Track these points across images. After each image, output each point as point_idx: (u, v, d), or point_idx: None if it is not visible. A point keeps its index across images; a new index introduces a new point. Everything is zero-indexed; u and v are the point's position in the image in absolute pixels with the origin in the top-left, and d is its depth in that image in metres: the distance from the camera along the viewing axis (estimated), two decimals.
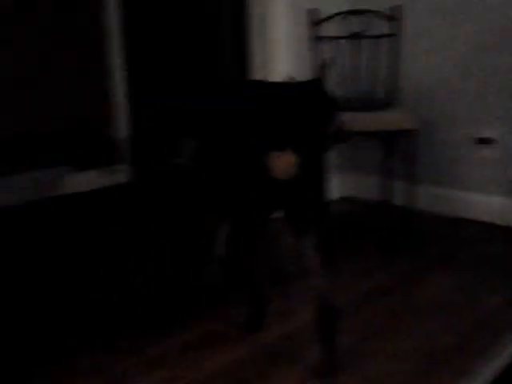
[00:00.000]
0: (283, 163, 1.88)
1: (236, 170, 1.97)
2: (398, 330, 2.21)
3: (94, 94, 4.23)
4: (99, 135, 4.29)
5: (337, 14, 3.40)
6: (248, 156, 1.91)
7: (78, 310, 2.46)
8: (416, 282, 2.60)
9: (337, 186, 3.70)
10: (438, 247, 2.98)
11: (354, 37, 3.39)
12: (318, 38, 3.37)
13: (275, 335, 2.21)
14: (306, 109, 1.88)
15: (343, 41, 3.46)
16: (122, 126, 4.37)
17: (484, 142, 3.25)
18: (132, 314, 2.41)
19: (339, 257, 2.88)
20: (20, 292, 2.61)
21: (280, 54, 3.30)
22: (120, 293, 2.60)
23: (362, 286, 2.57)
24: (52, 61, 3.94)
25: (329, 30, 3.42)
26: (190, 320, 2.33)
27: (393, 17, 3.30)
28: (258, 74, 3.36)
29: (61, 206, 3.86)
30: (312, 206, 1.91)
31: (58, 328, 2.32)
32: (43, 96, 4.01)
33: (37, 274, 2.79)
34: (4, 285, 2.62)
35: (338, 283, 2.59)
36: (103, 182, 4.24)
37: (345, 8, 3.45)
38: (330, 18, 3.39)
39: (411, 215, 3.17)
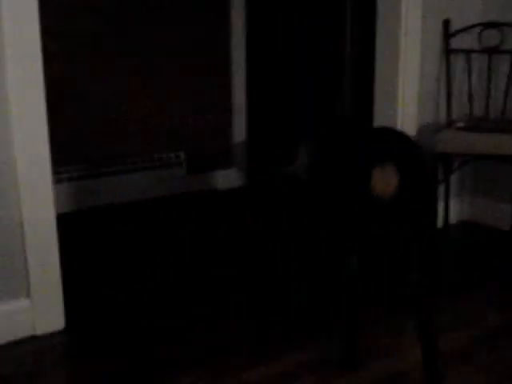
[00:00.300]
0: (384, 180, 1.86)
1: (341, 186, 1.95)
2: None
3: (218, 105, 4.22)
4: (217, 139, 4.27)
5: (471, 27, 3.17)
6: (352, 172, 1.90)
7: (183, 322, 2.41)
8: None
9: (457, 210, 3.45)
10: None
11: (490, 51, 3.15)
12: (450, 52, 3.16)
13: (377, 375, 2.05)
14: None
15: (476, 55, 3.22)
16: (239, 132, 4.33)
17: None
18: (234, 335, 2.32)
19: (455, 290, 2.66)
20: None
21: (410, 67, 3.11)
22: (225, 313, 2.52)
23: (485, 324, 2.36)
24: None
25: (460, 43, 3.20)
26: (294, 346, 2.22)
27: None
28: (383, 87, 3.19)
29: (182, 204, 3.88)
30: (414, 227, 1.87)
31: (166, 335, 2.28)
32: (172, 99, 4.04)
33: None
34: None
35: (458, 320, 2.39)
36: (219, 184, 4.24)
37: (477, 20, 3.21)
38: (464, 29, 3.17)
39: None
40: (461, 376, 2.02)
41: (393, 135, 1.97)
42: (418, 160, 1.90)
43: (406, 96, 3.13)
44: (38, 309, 2.26)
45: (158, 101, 3.91)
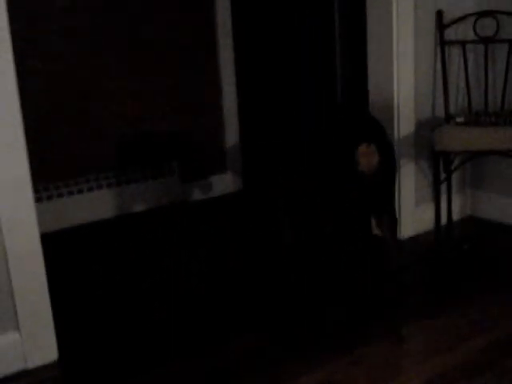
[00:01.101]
0: (368, 157, 2.33)
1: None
2: None
3: (206, 105, 4.11)
4: (210, 145, 4.16)
5: (466, 16, 3.06)
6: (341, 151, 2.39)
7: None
8: None
9: (460, 205, 3.34)
10: None
11: (486, 41, 3.04)
12: (445, 43, 3.04)
13: None
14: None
15: (471, 46, 3.11)
16: (232, 135, 4.22)
17: None
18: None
19: (464, 293, 2.55)
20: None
21: (403, 61, 2.99)
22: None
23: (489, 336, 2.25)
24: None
25: (455, 33, 3.09)
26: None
27: None
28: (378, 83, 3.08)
29: (178, 213, 3.78)
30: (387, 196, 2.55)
31: (169, 356, 2.17)
32: (158, 106, 3.94)
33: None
34: None
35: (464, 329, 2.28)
36: (214, 190, 4.13)
37: (471, 10, 3.10)
38: (459, 19, 3.05)
39: None
40: None
41: (375, 123, 2.52)
42: (390, 146, 2.48)
43: (402, 92, 3.02)
44: (28, 341, 2.16)
45: (146, 109, 3.81)
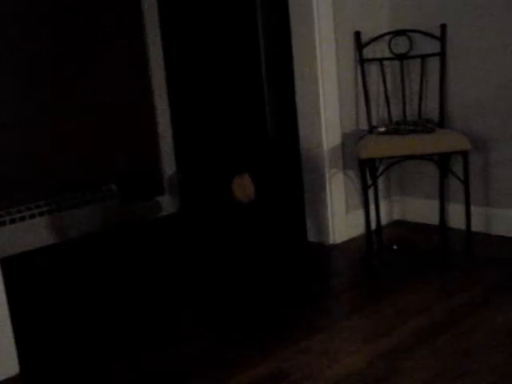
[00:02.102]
0: (242, 188, 2.51)
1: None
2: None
3: (144, 134, 4.25)
4: (148, 170, 4.30)
5: (381, 36, 3.34)
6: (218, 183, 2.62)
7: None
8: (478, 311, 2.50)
9: (388, 210, 3.60)
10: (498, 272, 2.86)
11: (401, 57, 3.32)
12: (364, 61, 3.31)
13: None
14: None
15: (388, 62, 3.39)
16: (168, 162, 4.37)
17: None
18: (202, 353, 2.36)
19: (394, 287, 2.79)
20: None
21: (326, 79, 3.24)
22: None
23: (419, 321, 2.47)
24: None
25: (372, 52, 3.36)
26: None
27: (438, 36, 3.23)
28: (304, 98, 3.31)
29: (116, 236, 3.89)
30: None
31: (124, 363, 2.29)
32: (98, 136, 4.05)
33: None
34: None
35: (396, 316, 2.51)
36: (152, 212, 4.26)
37: (385, 30, 3.39)
38: (375, 39, 3.32)
39: (469, 238, 3.06)
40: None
41: (255, 148, 2.61)
42: (274, 170, 2.58)
43: (327, 107, 3.25)
44: None
45: (81, 136, 3.92)
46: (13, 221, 3.67)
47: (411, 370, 2.09)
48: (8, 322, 2.28)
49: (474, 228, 3.12)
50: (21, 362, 2.32)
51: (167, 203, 4.33)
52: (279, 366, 2.18)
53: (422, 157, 3.09)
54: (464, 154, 2.93)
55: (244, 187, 2.54)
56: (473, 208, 3.09)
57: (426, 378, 2.03)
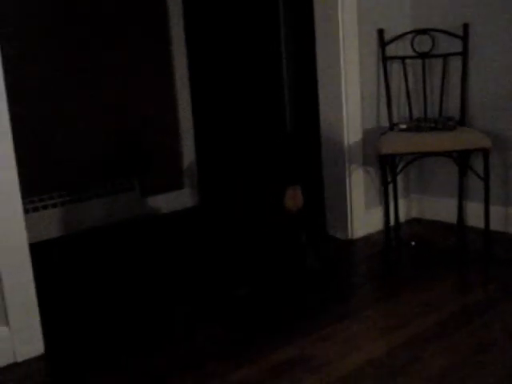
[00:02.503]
0: (295, 200, 2.71)
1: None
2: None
3: (166, 127, 4.31)
4: (169, 164, 4.35)
5: (404, 34, 3.37)
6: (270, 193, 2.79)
7: (166, 326, 2.47)
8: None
9: (406, 208, 3.63)
10: None
11: (423, 56, 3.35)
12: (386, 59, 3.34)
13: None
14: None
15: (410, 60, 3.42)
16: (189, 156, 4.42)
17: None
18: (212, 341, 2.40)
19: (413, 281, 2.82)
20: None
21: (350, 77, 3.27)
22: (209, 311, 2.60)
23: (437, 315, 2.50)
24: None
25: (395, 50, 3.40)
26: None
27: (461, 35, 3.26)
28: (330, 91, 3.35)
29: (134, 228, 3.94)
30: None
31: (149, 347, 2.33)
32: (121, 128, 4.11)
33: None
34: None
35: (415, 309, 2.54)
36: (172, 205, 4.31)
37: (408, 28, 3.42)
38: (398, 37, 3.36)
39: (487, 236, 3.08)
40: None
41: (302, 161, 2.92)
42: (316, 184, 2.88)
43: (349, 103, 3.29)
44: (16, 336, 2.29)
45: (103, 129, 3.98)
46: (35, 209, 3.73)
47: (429, 359, 2.12)
48: (35, 305, 2.33)
49: (492, 227, 3.14)
50: (46, 342, 2.37)
51: (187, 197, 4.38)
52: (300, 352, 2.22)
53: (441, 154, 3.12)
54: (485, 152, 2.95)
55: (295, 198, 2.81)
56: (491, 207, 3.11)
57: (445, 367, 2.06)
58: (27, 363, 2.30)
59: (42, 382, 2.25)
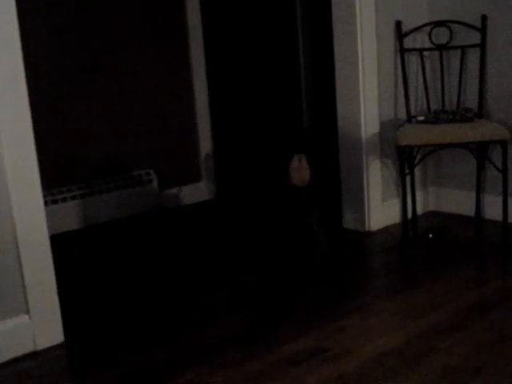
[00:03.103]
0: (301, 173, 2.49)
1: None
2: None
3: (183, 121, 4.33)
4: (186, 156, 4.37)
5: (422, 26, 3.36)
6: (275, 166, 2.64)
7: (178, 320, 2.50)
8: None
9: (423, 200, 3.62)
10: None
11: (440, 48, 3.34)
12: (404, 51, 3.33)
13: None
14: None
15: (428, 52, 3.41)
16: (206, 149, 4.44)
17: None
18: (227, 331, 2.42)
19: (430, 273, 2.82)
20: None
21: (367, 70, 3.27)
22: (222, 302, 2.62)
23: (455, 305, 2.50)
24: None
25: (413, 42, 3.39)
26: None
27: (479, 27, 3.24)
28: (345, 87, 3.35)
29: (152, 221, 3.97)
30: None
31: (163, 338, 2.36)
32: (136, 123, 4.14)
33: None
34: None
35: (432, 300, 2.54)
36: (189, 198, 4.34)
37: (425, 20, 3.40)
38: (416, 29, 3.35)
39: (506, 229, 3.07)
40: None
41: (309, 135, 2.82)
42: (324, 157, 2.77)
43: (367, 95, 3.29)
44: (37, 324, 2.32)
45: (120, 121, 4.00)
46: (55, 201, 3.77)
47: (447, 349, 2.13)
48: (55, 294, 2.37)
49: (510, 219, 3.13)
50: (65, 331, 2.40)
51: (204, 189, 4.40)
52: (317, 343, 2.23)
53: (459, 146, 3.11)
54: (503, 144, 2.94)
55: (301, 170, 2.52)
56: (509, 199, 3.10)
57: (462, 357, 2.07)
58: (47, 351, 2.33)
59: (63, 370, 2.29)
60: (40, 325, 2.33)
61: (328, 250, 2.88)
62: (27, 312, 2.31)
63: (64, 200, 3.79)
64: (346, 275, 2.86)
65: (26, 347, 2.31)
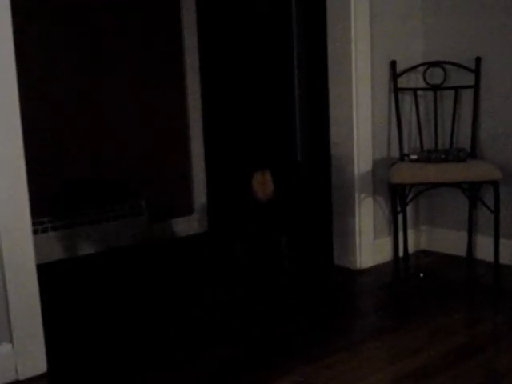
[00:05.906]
0: (263, 186, 2.54)
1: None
2: None
3: (176, 152, 4.33)
4: (178, 189, 4.36)
5: (417, 66, 3.39)
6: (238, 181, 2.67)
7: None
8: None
9: (415, 239, 3.61)
10: None
11: (434, 88, 3.37)
12: (398, 90, 3.35)
13: None
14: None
15: (422, 92, 3.44)
16: (199, 183, 4.43)
17: None
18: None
19: (420, 312, 2.79)
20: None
21: (362, 104, 3.29)
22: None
23: (445, 345, 2.47)
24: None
25: (407, 81, 3.41)
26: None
27: (473, 69, 3.27)
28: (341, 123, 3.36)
29: (141, 253, 3.94)
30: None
31: (146, 369, 2.32)
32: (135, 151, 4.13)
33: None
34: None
35: (422, 340, 2.51)
36: (181, 231, 4.31)
37: (420, 60, 3.44)
38: (410, 69, 3.38)
39: (497, 270, 3.06)
40: None
41: (275, 149, 2.80)
42: (291, 172, 2.70)
43: (361, 133, 3.30)
44: (20, 354, 2.28)
45: (116, 151, 4.00)
46: (44, 230, 3.74)
47: None
48: (40, 324, 2.33)
49: (501, 260, 3.12)
50: (48, 361, 2.36)
51: (196, 222, 4.38)
52: (304, 379, 2.20)
53: (451, 185, 3.12)
54: (495, 184, 2.94)
55: (264, 184, 2.60)
56: (501, 240, 3.09)
57: None
58: (30, 381, 2.29)
59: None
60: (23, 354, 2.29)
61: (291, 273, 2.92)
62: (10, 341, 2.27)
63: (54, 229, 3.77)
64: (336, 312, 2.83)
65: (8, 377, 2.27)
